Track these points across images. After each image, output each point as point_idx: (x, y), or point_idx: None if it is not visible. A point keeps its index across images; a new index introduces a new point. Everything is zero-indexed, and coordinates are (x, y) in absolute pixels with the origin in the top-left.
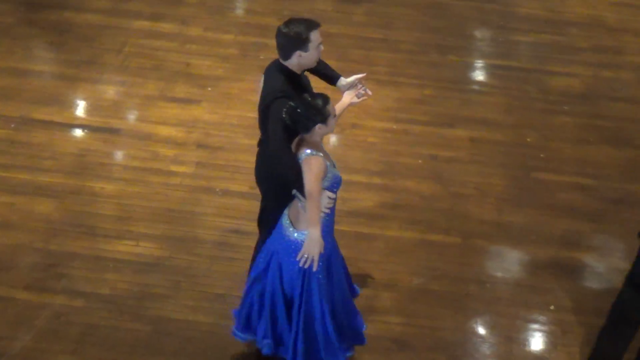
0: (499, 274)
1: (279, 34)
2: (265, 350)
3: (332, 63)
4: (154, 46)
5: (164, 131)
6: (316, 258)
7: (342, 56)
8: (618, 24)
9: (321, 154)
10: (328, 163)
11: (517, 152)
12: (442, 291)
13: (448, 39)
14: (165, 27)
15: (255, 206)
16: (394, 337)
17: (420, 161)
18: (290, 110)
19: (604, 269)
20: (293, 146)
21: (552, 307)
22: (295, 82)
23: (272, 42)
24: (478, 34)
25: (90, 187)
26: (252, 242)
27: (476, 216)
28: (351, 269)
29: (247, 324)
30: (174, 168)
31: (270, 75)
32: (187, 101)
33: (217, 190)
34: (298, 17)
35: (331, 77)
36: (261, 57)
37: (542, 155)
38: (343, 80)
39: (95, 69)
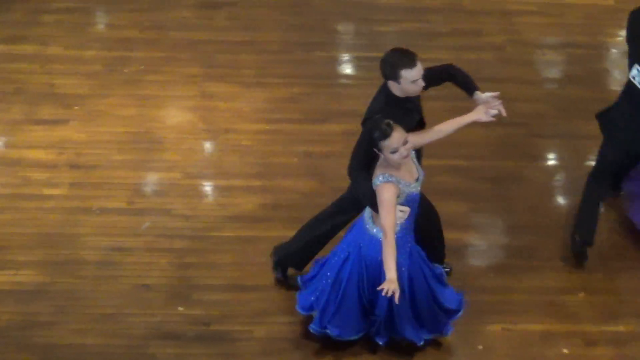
0: None
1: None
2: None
3: (197, 70)
4: (14, 69)
5: (33, 155)
6: (396, 295)
7: (208, 62)
8: (475, 7)
9: (392, 179)
10: (403, 182)
11: None
12: None
13: (312, 35)
14: (24, 48)
15: (134, 221)
16: (287, 337)
17: (296, 159)
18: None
19: (486, 246)
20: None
21: None
22: (398, 105)
23: (137, 55)
24: (341, 28)
25: None
26: (135, 258)
27: None
28: (238, 274)
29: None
30: (47, 191)
31: (376, 94)
32: (54, 122)
33: (94, 209)
34: (400, 48)
35: (467, 89)
36: (125, 71)
37: None
38: (478, 94)
39: None
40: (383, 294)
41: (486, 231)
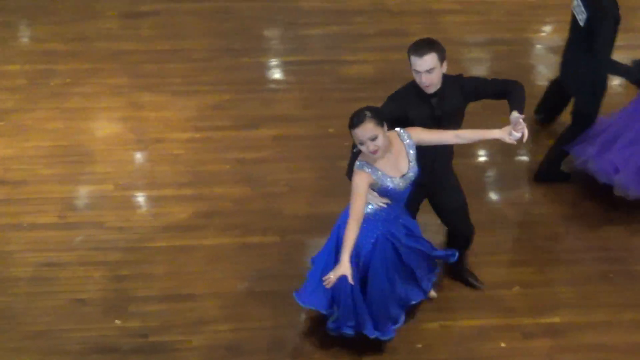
0: None
1: None
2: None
3: (123, 81)
4: None
5: None
6: (332, 280)
7: (135, 72)
8: (399, 8)
9: (367, 168)
10: (381, 174)
11: (322, 144)
12: (268, 291)
13: (239, 41)
14: None
15: (66, 236)
16: (227, 344)
17: (227, 166)
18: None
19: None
20: None
21: None
22: (416, 92)
23: (62, 68)
24: (268, 33)
25: None
26: (68, 272)
27: (291, 212)
28: (174, 283)
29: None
30: None
31: None
32: None
33: (25, 225)
34: (429, 38)
35: (511, 107)
36: (51, 84)
37: (346, 144)
38: (513, 114)
39: None
40: (327, 276)
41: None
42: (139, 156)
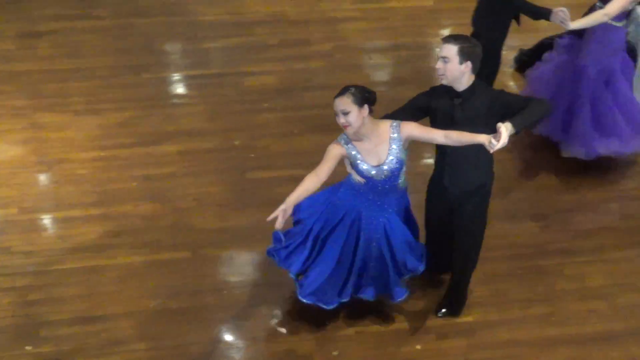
0: (234, 279)
1: None
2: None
3: (24, 102)
4: None
5: None
6: (278, 220)
7: (35, 93)
8: (300, 17)
9: (344, 144)
10: (359, 157)
11: (228, 157)
12: (182, 307)
13: (139, 58)
14: None
15: None
16: None
17: (134, 184)
18: None
19: None
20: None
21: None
22: (448, 91)
23: None
24: (169, 47)
25: None
26: None
27: (201, 227)
28: (86, 305)
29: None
30: None
31: None
32: None
33: None
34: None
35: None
36: None
37: (252, 155)
38: (500, 124)
39: None
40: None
41: None
42: (42, 178)
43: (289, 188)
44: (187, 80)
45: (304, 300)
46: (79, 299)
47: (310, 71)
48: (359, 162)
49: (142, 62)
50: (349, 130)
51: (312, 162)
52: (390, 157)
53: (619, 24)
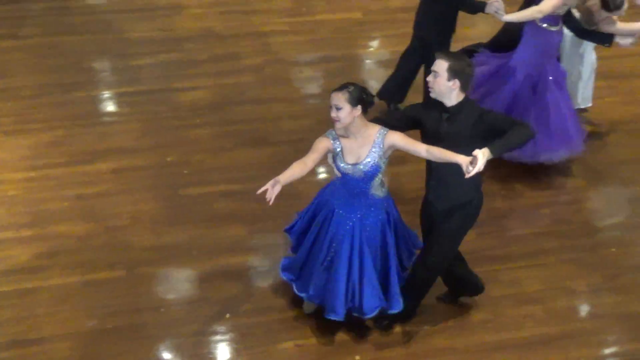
0: (171, 296)
1: None
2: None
3: None
4: None
5: None
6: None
7: None
8: (229, 32)
9: (331, 139)
10: (337, 153)
11: (162, 173)
12: (119, 327)
13: (69, 76)
14: None
15: None
16: None
17: (67, 203)
18: None
19: (269, 266)
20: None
21: (227, 315)
22: (439, 105)
23: None
24: (98, 65)
25: None
26: None
27: (136, 245)
28: (21, 328)
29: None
30: None
31: None
32: None
33: None
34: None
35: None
36: None
37: (185, 172)
38: (477, 150)
39: None
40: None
41: (268, 251)
42: None
43: (223, 203)
44: (119, 98)
45: (281, 275)
46: (14, 322)
47: (242, 85)
48: (340, 158)
49: (72, 80)
50: (338, 125)
51: (247, 175)
52: (368, 159)
53: (553, 28)
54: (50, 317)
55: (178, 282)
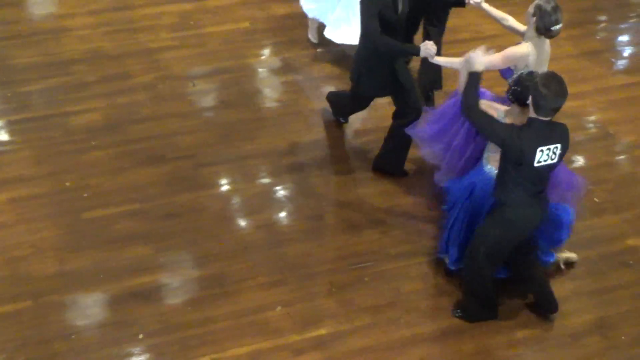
0: (81, 322)
1: None
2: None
3: None
4: None
5: None
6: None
7: None
8: (117, 51)
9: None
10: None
11: (61, 199)
12: (31, 359)
13: None
14: None
15: None
16: None
17: None
18: None
19: (178, 283)
20: None
21: (141, 336)
22: None
23: None
24: None
25: None
26: None
27: (40, 274)
28: None
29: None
30: None
31: None
32: None
33: None
34: None
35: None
36: None
37: (85, 195)
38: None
39: None
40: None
41: (175, 267)
42: None
43: (126, 224)
44: (9, 126)
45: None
46: None
47: (135, 104)
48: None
49: None
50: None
51: (147, 194)
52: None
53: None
54: None
55: (87, 307)
